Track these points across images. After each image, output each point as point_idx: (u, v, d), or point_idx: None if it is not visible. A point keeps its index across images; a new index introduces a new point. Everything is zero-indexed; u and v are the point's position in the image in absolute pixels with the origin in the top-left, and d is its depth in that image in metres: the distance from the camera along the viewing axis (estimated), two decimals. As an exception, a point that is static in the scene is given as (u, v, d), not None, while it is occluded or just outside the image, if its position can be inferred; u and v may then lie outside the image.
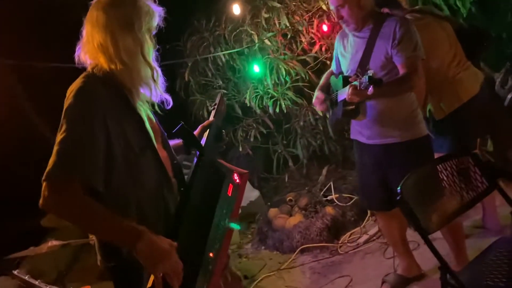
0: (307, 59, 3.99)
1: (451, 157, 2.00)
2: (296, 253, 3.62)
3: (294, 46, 4.05)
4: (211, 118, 1.89)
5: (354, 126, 2.51)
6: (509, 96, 2.94)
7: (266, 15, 3.84)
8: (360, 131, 2.47)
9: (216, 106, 1.96)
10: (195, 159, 1.73)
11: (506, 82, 2.98)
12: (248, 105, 4.10)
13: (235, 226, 1.74)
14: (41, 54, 3.08)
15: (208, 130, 1.83)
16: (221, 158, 1.87)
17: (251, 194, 4.76)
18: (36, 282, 2.25)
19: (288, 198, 4.22)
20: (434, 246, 1.73)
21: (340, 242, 3.56)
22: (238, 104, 4.34)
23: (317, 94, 2.52)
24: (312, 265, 3.40)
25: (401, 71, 2.23)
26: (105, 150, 1.37)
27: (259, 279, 3.40)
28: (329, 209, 3.83)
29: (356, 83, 2.04)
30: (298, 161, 4.70)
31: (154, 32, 1.58)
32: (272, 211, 4.16)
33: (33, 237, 2.83)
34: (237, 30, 4.00)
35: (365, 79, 1.95)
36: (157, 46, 1.61)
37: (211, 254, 1.60)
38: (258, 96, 4.00)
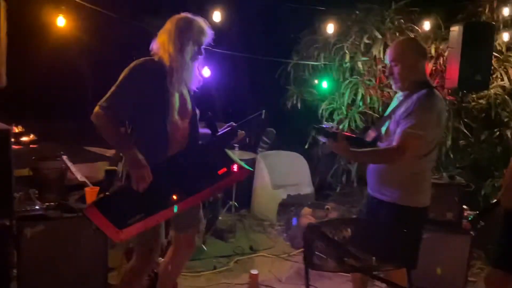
0: (389, 90, 4.14)
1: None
2: (298, 251, 4.04)
3: (383, 75, 4.21)
4: (235, 124, 2.39)
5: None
6: None
7: (367, 41, 4.08)
8: (367, 180, 2.60)
9: (251, 118, 2.45)
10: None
11: None
12: (320, 113, 4.44)
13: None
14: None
15: (228, 129, 2.36)
16: (231, 151, 2.40)
17: (306, 188, 5.21)
18: (82, 178, 3.04)
19: (326, 207, 4.55)
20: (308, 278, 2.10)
21: (338, 261, 3.83)
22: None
23: None
24: (301, 266, 3.77)
25: (394, 142, 2.31)
26: (134, 101, 2.15)
27: (257, 254, 3.94)
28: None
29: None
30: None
31: (203, 45, 2.25)
32: (306, 210, 4.54)
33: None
34: (340, 45, 4.31)
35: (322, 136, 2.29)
36: (202, 55, 2.27)
37: (174, 197, 2.17)
38: (330, 109, 4.31)
